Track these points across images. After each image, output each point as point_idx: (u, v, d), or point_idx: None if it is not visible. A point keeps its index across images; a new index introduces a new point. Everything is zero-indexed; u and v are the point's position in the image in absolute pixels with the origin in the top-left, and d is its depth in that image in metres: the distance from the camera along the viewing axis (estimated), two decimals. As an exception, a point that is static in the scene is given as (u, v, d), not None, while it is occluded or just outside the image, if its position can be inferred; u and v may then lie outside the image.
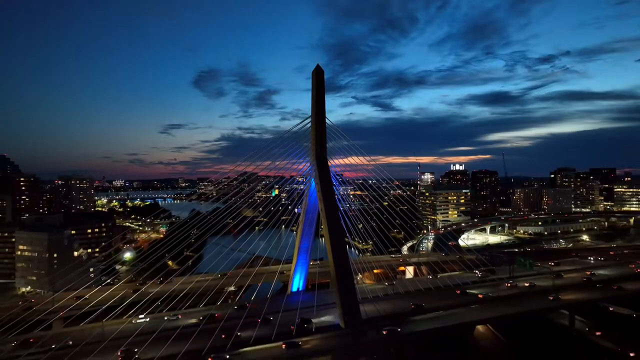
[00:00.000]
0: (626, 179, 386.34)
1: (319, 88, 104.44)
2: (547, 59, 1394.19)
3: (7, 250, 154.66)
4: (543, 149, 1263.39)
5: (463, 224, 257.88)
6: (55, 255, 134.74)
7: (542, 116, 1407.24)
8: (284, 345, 76.82)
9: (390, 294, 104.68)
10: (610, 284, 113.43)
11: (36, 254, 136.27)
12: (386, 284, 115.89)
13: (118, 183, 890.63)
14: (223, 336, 76.81)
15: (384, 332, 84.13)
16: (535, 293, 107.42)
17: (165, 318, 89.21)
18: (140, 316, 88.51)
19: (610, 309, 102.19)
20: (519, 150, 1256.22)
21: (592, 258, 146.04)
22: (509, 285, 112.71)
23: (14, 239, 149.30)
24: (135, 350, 71.48)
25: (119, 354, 70.88)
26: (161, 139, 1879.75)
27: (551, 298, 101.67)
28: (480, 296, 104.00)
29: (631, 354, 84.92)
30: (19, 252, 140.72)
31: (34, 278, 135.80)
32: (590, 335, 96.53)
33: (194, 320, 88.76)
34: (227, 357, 72.27)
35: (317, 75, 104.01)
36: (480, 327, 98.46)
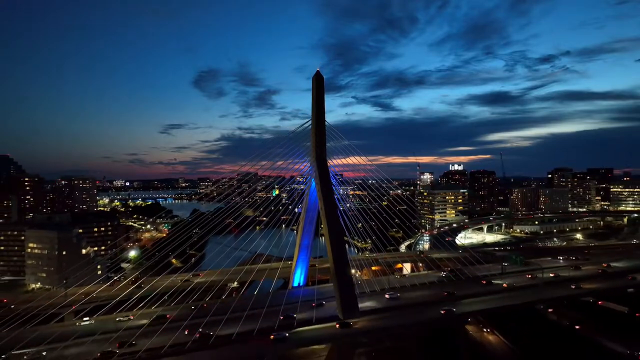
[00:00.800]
0: (625, 178, 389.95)
1: (319, 92, 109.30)
2: (547, 59, 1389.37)
3: (16, 248, 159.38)
4: (543, 149, 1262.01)
5: (455, 225, 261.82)
6: (64, 252, 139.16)
7: (542, 116, 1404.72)
8: (337, 325, 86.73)
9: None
10: (625, 275, 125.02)
11: (46, 252, 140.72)
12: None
13: (118, 183, 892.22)
14: (281, 317, 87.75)
15: (442, 312, 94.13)
16: (555, 283, 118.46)
17: (117, 319, 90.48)
18: (85, 318, 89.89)
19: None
20: (519, 150, 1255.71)
21: (561, 258, 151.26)
22: (529, 276, 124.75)
23: (22, 237, 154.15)
24: (211, 332, 79.70)
25: (187, 331, 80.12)
26: (161, 139, 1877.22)
27: (573, 287, 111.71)
28: (504, 285, 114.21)
29: (577, 327, 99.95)
30: (29, 250, 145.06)
31: (44, 275, 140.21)
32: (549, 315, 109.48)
33: (145, 321, 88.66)
34: (287, 334, 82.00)
35: (317, 80, 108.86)
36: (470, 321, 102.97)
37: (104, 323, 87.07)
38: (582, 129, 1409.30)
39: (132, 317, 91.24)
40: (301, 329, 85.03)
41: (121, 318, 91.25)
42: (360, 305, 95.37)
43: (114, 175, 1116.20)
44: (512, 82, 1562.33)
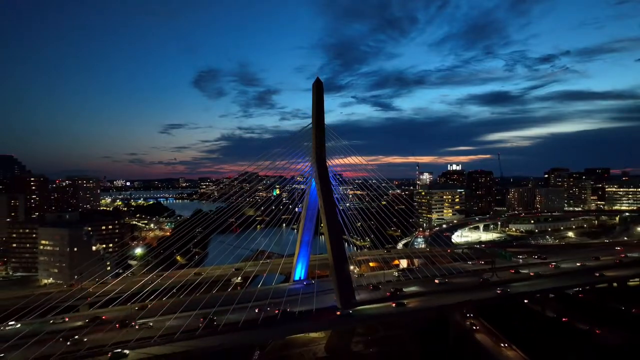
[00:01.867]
0: (623, 178, 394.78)
1: (319, 97, 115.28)
2: (547, 59, 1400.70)
3: (27, 245, 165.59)
4: (543, 149, 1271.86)
5: (445, 225, 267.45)
6: (75, 249, 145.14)
7: (542, 116, 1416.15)
8: (394, 304, 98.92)
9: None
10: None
11: (58, 249, 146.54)
12: (313, 281, 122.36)
13: (119, 183, 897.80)
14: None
15: (498, 292, 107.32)
16: (581, 271, 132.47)
17: (51, 321, 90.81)
18: (11, 322, 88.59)
19: None
20: (519, 150, 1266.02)
21: (521, 257, 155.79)
22: (552, 266, 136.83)
23: (34, 235, 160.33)
24: (275, 309, 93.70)
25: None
26: (161, 138, 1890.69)
27: (597, 275, 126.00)
28: (531, 274, 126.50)
29: (526, 301, 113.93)
30: (41, 247, 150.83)
31: (56, 271, 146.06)
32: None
33: (79, 323, 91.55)
34: (351, 312, 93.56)
35: (317, 86, 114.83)
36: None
37: (34, 326, 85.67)
38: (581, 129, 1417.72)
39: (67, 320, 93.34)
40: (362, 307, 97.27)
41: (55, 320, 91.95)
42: (408, 289, 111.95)
43: (114, 175, 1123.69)
44: (512, 82, 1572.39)
